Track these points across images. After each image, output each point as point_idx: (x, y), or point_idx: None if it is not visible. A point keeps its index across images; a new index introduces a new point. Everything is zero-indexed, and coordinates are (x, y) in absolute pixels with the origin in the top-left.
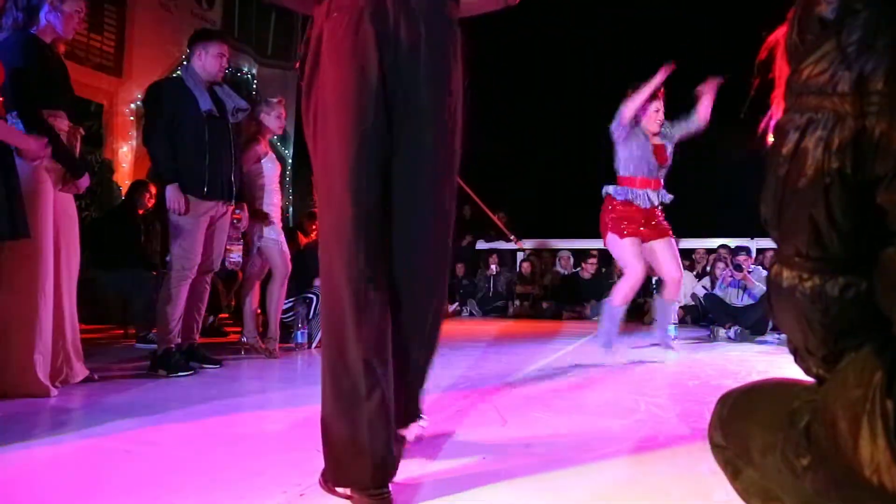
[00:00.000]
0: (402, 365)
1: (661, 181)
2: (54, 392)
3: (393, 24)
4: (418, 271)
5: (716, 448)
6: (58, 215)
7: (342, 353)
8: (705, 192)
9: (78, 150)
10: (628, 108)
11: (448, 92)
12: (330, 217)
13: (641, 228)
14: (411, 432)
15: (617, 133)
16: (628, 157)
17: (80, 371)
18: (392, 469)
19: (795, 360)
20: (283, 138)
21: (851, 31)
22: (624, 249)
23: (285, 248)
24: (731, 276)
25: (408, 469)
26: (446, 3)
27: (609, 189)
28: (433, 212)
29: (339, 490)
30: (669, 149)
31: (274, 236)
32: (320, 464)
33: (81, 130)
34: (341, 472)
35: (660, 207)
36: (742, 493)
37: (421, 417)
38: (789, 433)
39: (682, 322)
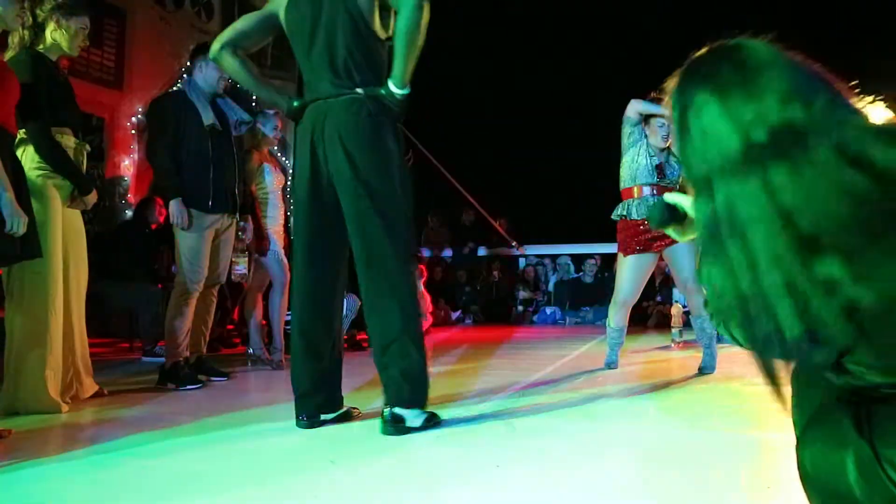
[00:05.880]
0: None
1: (671, 187)
2: (65, 408)
3: (322, 129)
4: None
5: None
6: (66, 232)
7: None
8: None
9: (84, 166)
10: (633, 103)
11: (375, 162)
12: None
13: (648, 241)
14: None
15: (626, 130)
16: (627, 165)
17: (90, 386)
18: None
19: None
20: (284, 148)
21: None
22: (618, 267)
23: (284, 257)
24: None
25: (421, 479)
26: (355, 103)
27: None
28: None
29: None
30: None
31: (273, 247)
32: (333, 475)
33: (87, 147)
34: None
35: None
36: None
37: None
38: None
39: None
